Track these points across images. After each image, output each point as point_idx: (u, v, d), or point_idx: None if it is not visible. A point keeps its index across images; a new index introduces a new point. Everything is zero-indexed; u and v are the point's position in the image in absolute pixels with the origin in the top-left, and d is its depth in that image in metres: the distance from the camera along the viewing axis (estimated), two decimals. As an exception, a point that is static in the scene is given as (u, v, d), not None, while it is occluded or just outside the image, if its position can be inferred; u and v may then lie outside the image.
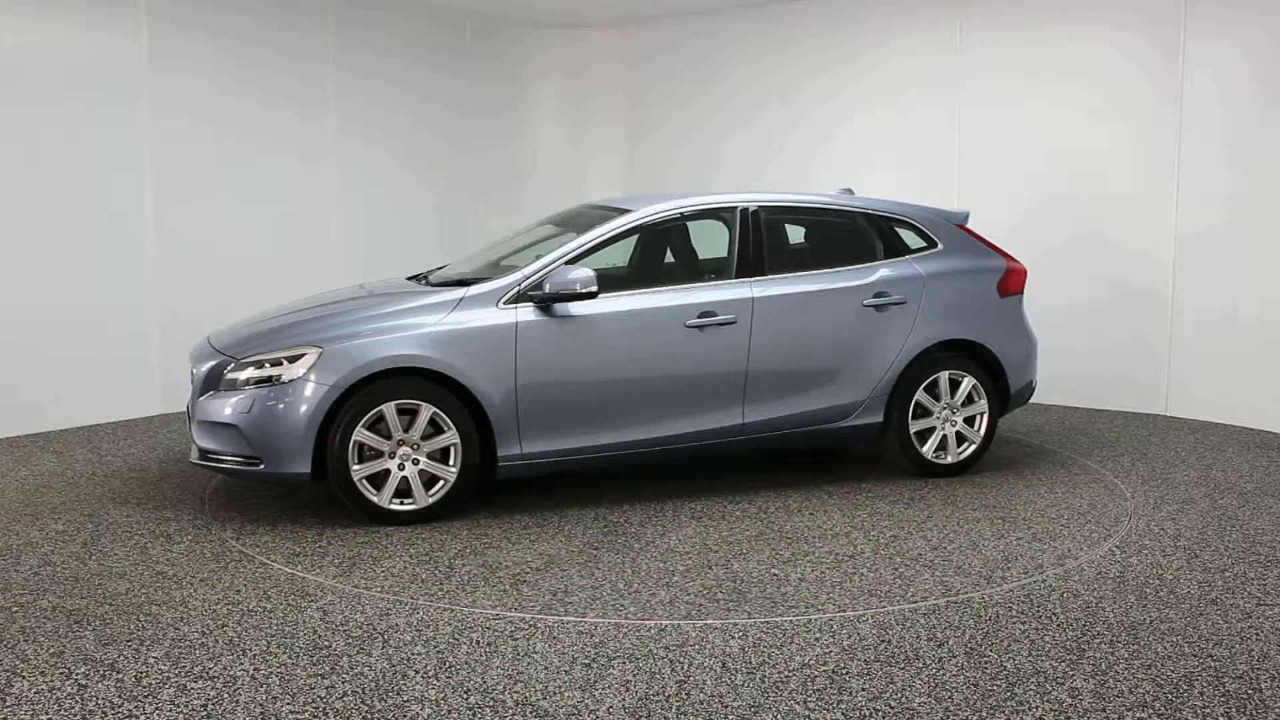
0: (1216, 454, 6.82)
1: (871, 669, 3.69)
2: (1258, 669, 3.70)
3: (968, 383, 6.21)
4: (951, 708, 3.41)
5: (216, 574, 4.58)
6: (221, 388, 5.24)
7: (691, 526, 5.29)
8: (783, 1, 9.24)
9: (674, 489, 5.93)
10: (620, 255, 6.28)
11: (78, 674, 3.60)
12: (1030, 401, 7.96)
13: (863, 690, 3.53)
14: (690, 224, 6.17)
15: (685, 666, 3.69)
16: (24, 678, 3.57)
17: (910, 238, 6.34)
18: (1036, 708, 3.41)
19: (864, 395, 6.02)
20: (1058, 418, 7.93)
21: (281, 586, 4.44)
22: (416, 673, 3.63)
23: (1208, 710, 3.40)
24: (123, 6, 7.49)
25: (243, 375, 5.18)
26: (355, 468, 5.11)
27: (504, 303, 5.39)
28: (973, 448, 6.28)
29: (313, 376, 5.06)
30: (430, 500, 5.24)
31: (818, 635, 3.97)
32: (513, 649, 3.83)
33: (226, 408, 5.14)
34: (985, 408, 6.26)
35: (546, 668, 3.68)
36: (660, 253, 6.30)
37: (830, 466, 6.47)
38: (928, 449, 6.18)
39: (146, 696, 3.44)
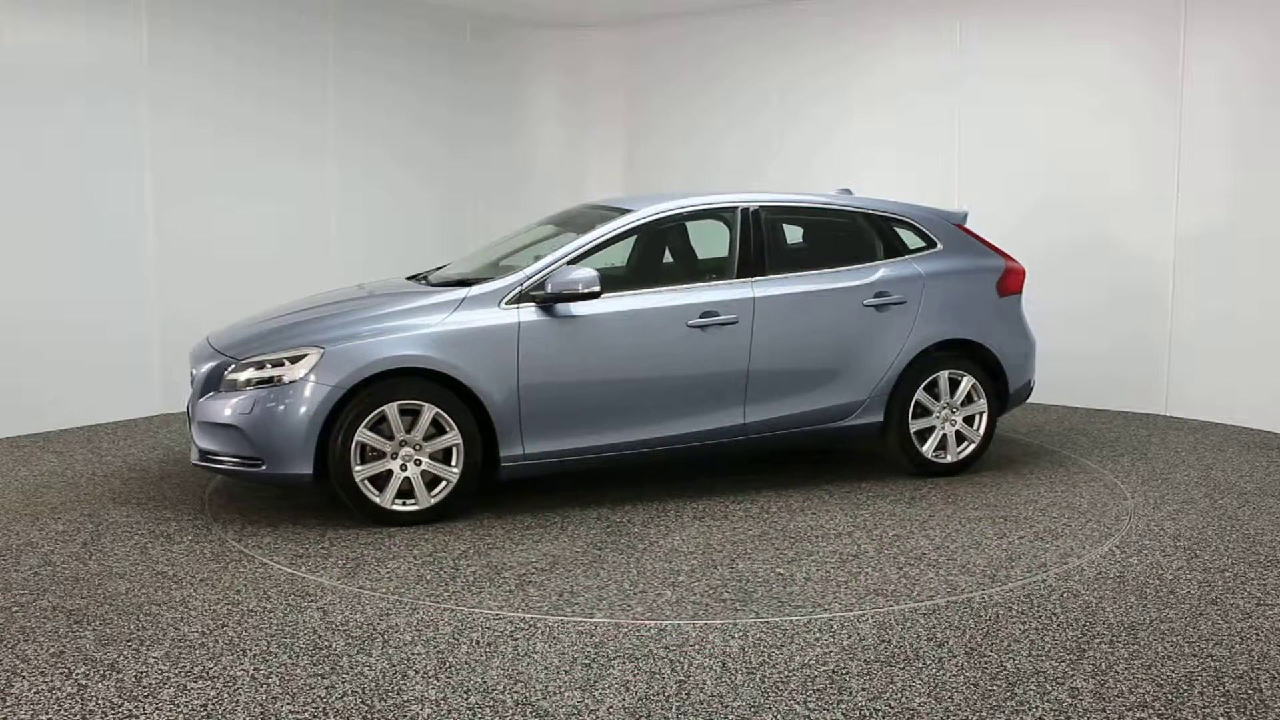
0: (1216, 454, 6.82)
1: (871, 669, 3.69)
2: (1258, 669, 3.70)
3: (967, 382, 6.22)
4: (951, 708, 3.41)
5: (216, 574, 4.59)
6: (222, 389, 5.23)
7: (694, 526, 5.29)
8: (783, 1, 9.24)
9: (675, 489, 5.94)
10: (619, 255, 6.28)
11: (78, 674, 3.60)
12: (1030, 401, 7.98)
13: (863, 690, 3.53)
14: (691, 224, 6.18)
15: (685, 666, 3.70)
16: (24, 678, 3.57)
17: (909, 238, 6.34)
18: (1036, 708, 3.41)
19: (864, 395, 6.02)
20: (1057, 418, 7.93)
21: (281, 586, 4.44)
22: (416, 673, 3.63)
23: (1208, 710, 3.40)
24: (123, 6, 7.49)
25: (244, 376, 5.18)
26: (357, 468, 5.11)
27: (506, 303, 5.39)
28: (972, 447, 6.28)
29: (314, 377, 5.06)
30: (432, 501, 5.23)
31: (818, 635, 3.97)
32: (513, 649, 3.84)
33: (227, 409, 5.14)
34: (984, 407, 6.27)
35: (546, 668, 3.68)
36: (661, 253, 6.30)
37: (830, 466, 6.47)
38: (928, 448, 6.18)
39: (146, 696, 3.44)
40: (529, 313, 5.38)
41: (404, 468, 5.18)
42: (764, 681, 3.58)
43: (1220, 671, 3.68)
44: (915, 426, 6.14)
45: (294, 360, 5.13)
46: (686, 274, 6.12)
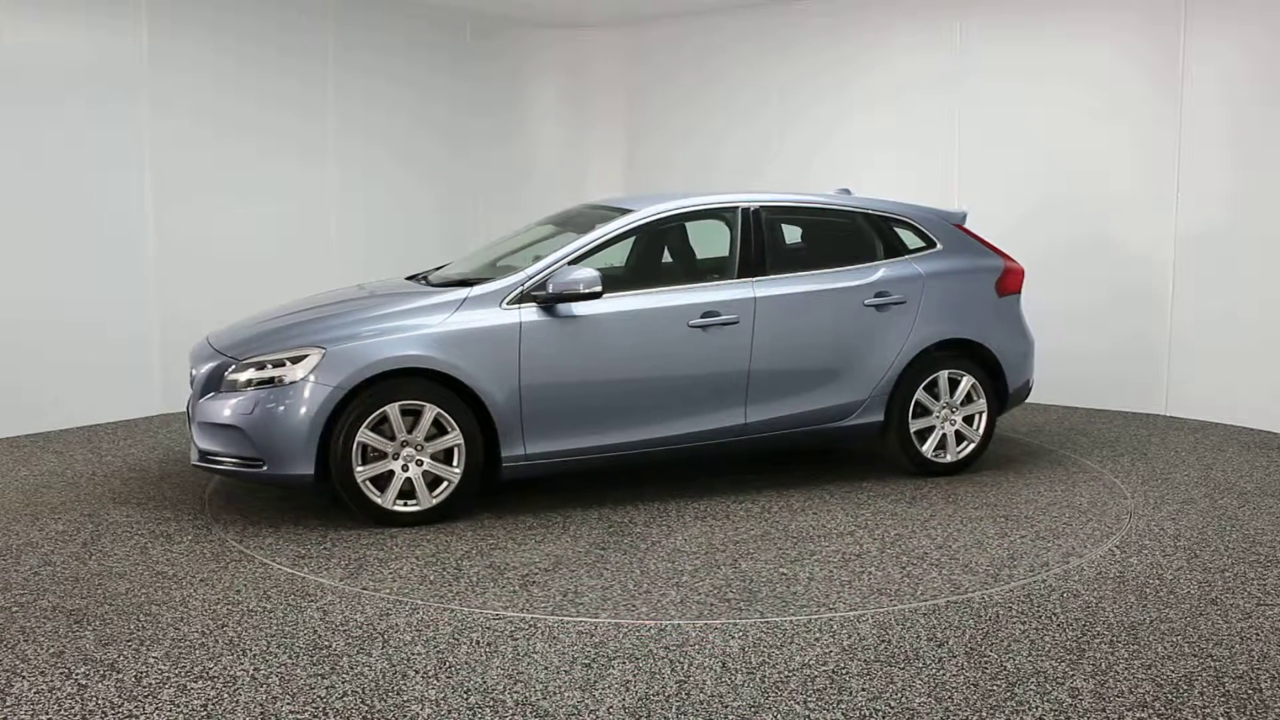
0: (1216, 454, 6.82)
1: (871, 669, 3.69)
2: (1258, 669, 3.70)
3: (967, 382, 6.22)
4: (951, 708, 3.41)
5: (216, 574, 4.59)
6: (223, 389, 5.23)
7: (696, 526, 5.29)
8: (783, 1, 9.24)
9: (676, 489, 5.94)
10: (620, 256, 6.28)
11: (78, 674, 3.60)
12: (1030, 401, 7.98)
13: (863, 690, 3.53)
14: (692, 224, 6.17)
15: (685, 666, 3.70)
16: (24, 678, 3.57)
17: (909, 237, 6.35)
18: (1036, 708, 3.41)
19: (865, 394, 6.03)
20: (1057, 418, 7.93)
21: (282, 587, 4.44)
22: (416, 673, 3.63)
23: (1208, 710, 3.40)
24: (123, 6, 7.49)
25: (244, 376, 5.17)
26: (359, 469, 5.10)
27: (507, 303, 5.38)
28: (972, 446, 6.29)
29: (316, 377, 5.05)
30: (434, 501, 5.23)
31: (818, 635, 3.97)
32: (513, 649, 3.84)
33: (228, 409, 5.13)
34: (984, 406, 6.27)
35: (546, 668, 3.68)
36: (662, 253, 6.30)
37: (830, 466, 6.47)
38: (927, 448, 6.18)
39: (146, 696, 3.44)
40: (530, 313, 5.38)
41: (405, 468, 5.18)
42: (764, 681, 3.59)
43: (1220, 671, 3.68)
44: (915, 426, 6.14)
45: (295, 361, 5.12)
46: (687, 274, 6.12)
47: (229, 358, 5.32)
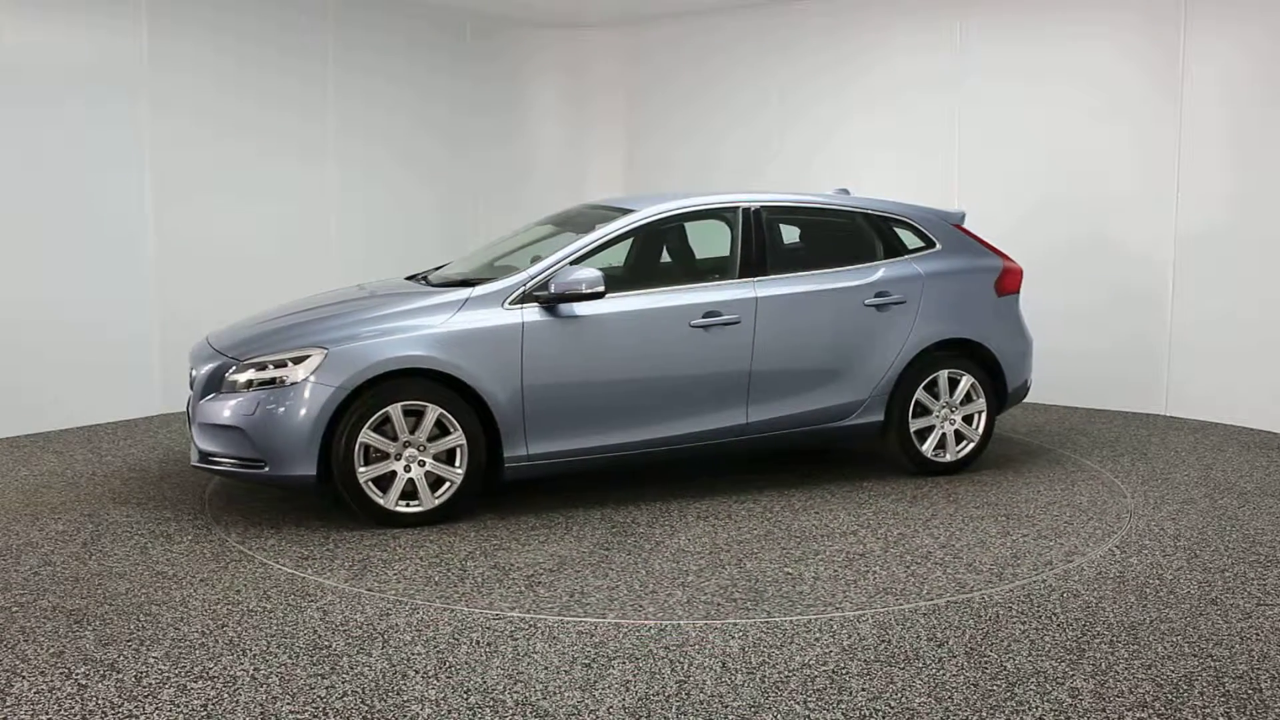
0: (1216, 454, 6.82)
1: (871, 669, 3.69)
2: (1258, 669, 3.70)
3: (966, 381, 6.22)
4: (951, 708, 3.41)
5: (216, 574, 4.58)
6: (224, 390, 5.22)
7: (699, 526, 5.29)
8: (783, 1, 9.24)
9: (678, 489, 5.94)
10: (619, 255, 6.28)
11: (78, 674, 3.60)
12: (1030, 401, 7.99)
13: (863, 690, 3.53)
14: (693, 224, 6.18)
15: (685, 666, 3.70)
16: (24, 678, 3.57)
17: (909, 238, 6.35)
18: (1036, 708, 3.41)
19: (865, 394, 6.03)
20: (1057, 417, 7.93)
21: (281, 587, 4.44)
22: (416, 673, 3.63)
23: (1208, 710, 3.40)
24: (123, 6, 7.49)
25: (245, 377, 5.17)
26: (361, 470, 5.10)
27: (509, 303, 5.38)
28: (971, 446, 6.29)
29: (318, 378, 5.04)
30: (436, 502, 5.23)
31: (818, 635, 3.97)
32: (513, 649, 3.84)
33: (229, 410, 5.12)
34: (983, 406, 6.28)
35: (546, 668, 3.68)
36: (662, 253, 6.30)
37: (830, 465, 6.47)
38: (927, 447, 6.19)
39: (146, 696, 3.44)
40: (532, 313, 5.38)
41: (408, 469, 5.17)
42: (764, 681, 3.59)
43: (1220, 671, 3.68)
44: (915, 426, 6.15)
45: (297, 361, 5.12)
46: (689, 274, 6.12)
47: (230, 358, 5.31)
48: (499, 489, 5.60)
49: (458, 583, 4.50)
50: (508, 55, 10.10)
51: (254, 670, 3.64)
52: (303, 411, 5.02)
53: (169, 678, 3.58)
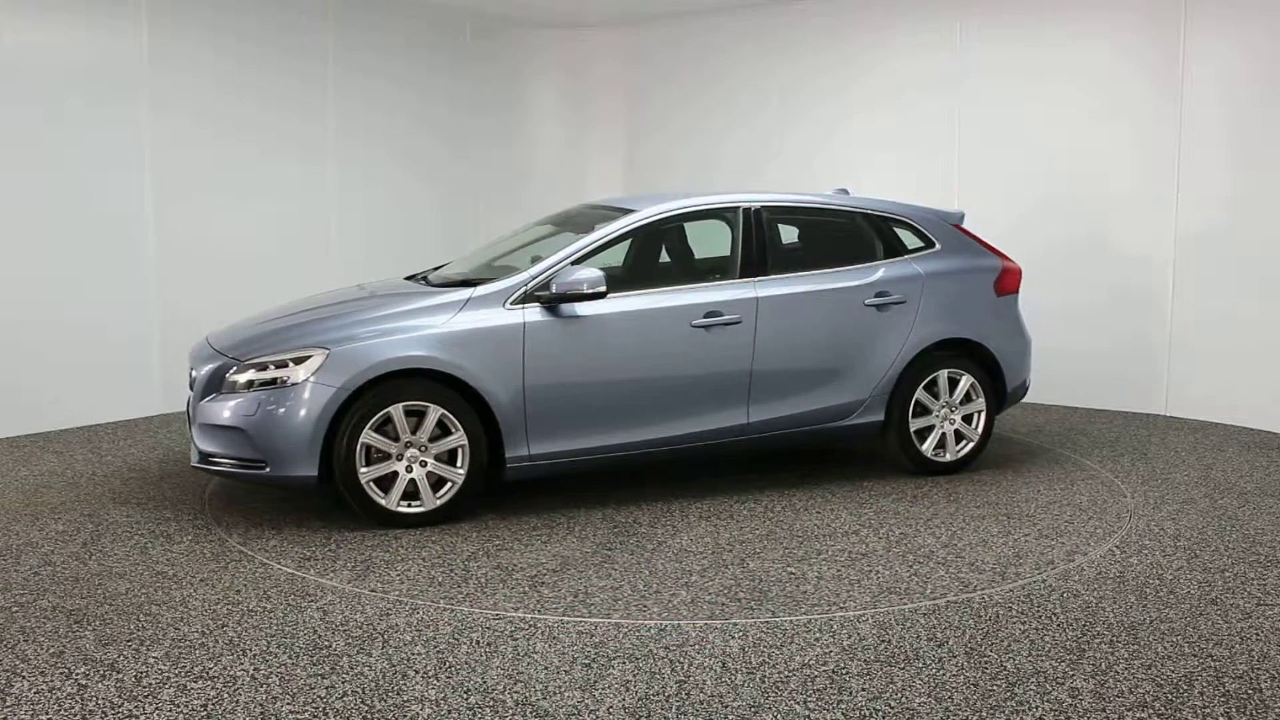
0: (1216, 454, 6.82)
1: (871, 669, 3.69)
2: (1258, 669, 3.70)
3: (966, 381, 6.23)
4: (951, 708, 3.41)
5: (216, 574, 4.58)
6: (224, 390, 5.22)
7: (701, 526, 5.29)
8: (783, 1, 9.24)
9: (679, 489, 5.94)
10: (619, 256, 6.28)
11: (78, 674, 3.60)
12: (1030, 401, 7.99)
13: (863, 690, 3.53)
14: (693, 224, 6.18)
15: (685, 666, 3.70)
16: (24, 678, 3.57)
17: (908, 238, 6.35)
18: (1036, 708, 3.41)
19: (865, 394, 6.03)
20: (1057, 417, 7.93)
21: (281, 586, 4.44)
22: (416, 673, 3.63)
23: (1208, 710, 3.40)
24: (123, 6, 7.49)
25: (246, 378, 5.16)
26: (363, 470, 5.09)
27: (511, 303, 5.38)
28: (971, 445, 6.29)
29: (319, 378, 5.04)
30: (438, 502, 5.22)
31: (818, 635, 3.97)
32: (513, 649, 3.84)
33: (230, 411, 5.12)
34: (983, 406, 6.28)
35: (546, 668, 3.68)
36: (662, 253, 6.30)
37: (830, 465, 6.47)
38: (927, 447, 6.19)
39: (146, 696, 3.44)
40: (534, 313, 5.38)
41: (409, 469, 5.17)
42: (764, 681, 3.59)
43: (1220, 671, 3.68)
44: (915, 425, 6.15)
45: (298, 361, 5.11)
46: (689, 274, 6.12)
47: (230, 359, 5.31)
48: (500, 489, 5.60)
49: (461, 583, 4.50)
50: (508, 55, 10.10)
51: (254, 670, 3.64)
52: (304, 412, 5.02)
53: (169, 678, 3.58)
